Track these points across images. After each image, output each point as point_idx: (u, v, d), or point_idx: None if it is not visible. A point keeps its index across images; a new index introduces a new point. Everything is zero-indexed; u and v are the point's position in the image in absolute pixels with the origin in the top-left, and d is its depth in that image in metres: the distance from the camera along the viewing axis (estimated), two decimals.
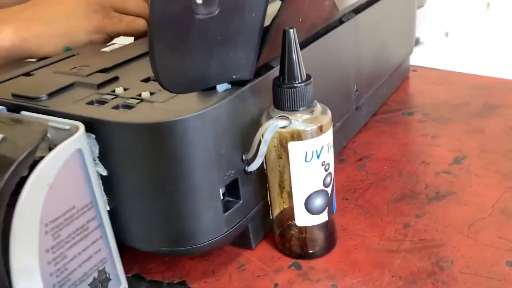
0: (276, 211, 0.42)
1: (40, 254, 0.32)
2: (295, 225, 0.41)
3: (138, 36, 0.60)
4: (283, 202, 0.40)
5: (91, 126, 0.35)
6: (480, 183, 0.49)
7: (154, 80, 0.42)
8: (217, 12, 0.32)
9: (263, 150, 0.37)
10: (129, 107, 0.37)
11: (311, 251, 0.42)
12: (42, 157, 0.32)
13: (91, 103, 0.38)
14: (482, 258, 0.40)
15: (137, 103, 0.37)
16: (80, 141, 0.34)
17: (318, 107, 0.38)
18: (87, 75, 0.43)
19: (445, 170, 0.52)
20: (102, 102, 0.38)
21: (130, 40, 0.60)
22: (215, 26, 0.33)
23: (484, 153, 0.54)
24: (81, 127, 0.34)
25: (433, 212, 0.46)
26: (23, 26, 0.54)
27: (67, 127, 0.35)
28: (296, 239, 0.42)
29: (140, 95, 0.38)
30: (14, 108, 0.39)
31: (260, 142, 0.37)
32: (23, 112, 0.38)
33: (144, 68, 0.46)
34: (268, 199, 0.42)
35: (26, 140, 0.32)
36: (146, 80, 0.42)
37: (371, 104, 0.64)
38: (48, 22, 0.55)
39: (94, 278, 0.37)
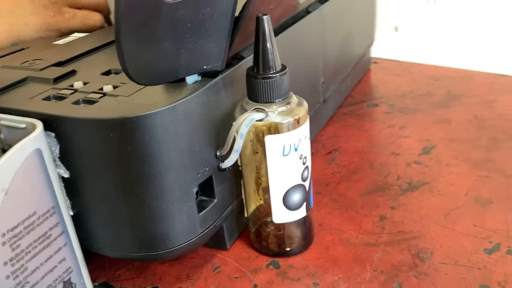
0: (251, 208, 0.40)
1: None
2: (271, 222, 0.39)
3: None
4: (260, 199, 0.39)
5: (50, 123, 0.32)
6: (451, 172, 0.49)
7: (116, 73, 0.39)
8: None
9: (238, 145, 0.35)
10: (91, 102, 0.34)
11: (288, 249, 0.40)
12: None
13: (47, 99, 0.35)
14: (461, 247, 0.39)
15: (100, 97, 0.34)
16: (38, 141, 0.30)
17: (294, 98, 0.37)
18: (41, 69, 0.40)
19: (415, 160, 0.52)
20: (60, 98, 0.35)
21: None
22: (184, 11, 0.31)
23: (452, 142, 0.54)
24: (39, 124, 0.31)
25: (408, 203, 0.45)
26: None
27: (23, 125, 0.32)
28: (273, 237, 0.40)
29: (102, 89, 0.35)
30: None
31: (235, 136, 0.35)
32: None
33: (103, 61, 0.43)
34: (243, 196, 0.40)
35: None
36: (107, 73, 0.39)
37: (337, 97, 0.63)
38: None
39: None
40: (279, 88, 0.35)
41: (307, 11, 0.50)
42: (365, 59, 0.74)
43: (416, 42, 0.89)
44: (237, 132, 0.35)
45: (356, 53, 0.68)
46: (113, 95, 0.34)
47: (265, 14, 0.34)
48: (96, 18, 0.55)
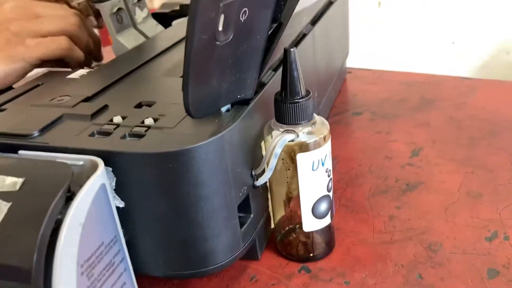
0: (276, 219, 0.44)
1: None
2: (298, 230, 0.43)
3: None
4: (290, 211, 0.42)
5: (105, 159, 0.34)
6: (441, 171, 0.55)
7: (148, 106, 0.42)
8: (231, 37, 0.34)
9: (272, 163, 0.39)
10: (138, 135, 0.36)
11: (315, 254, 0.44)
12: None
13: (92, 135, 0.37)
14: (465, 237, 0.45)
15: (145, 131, 0.37)
16: (103, 176, 0.33)
17: (317, 119, 0.41)
18: (73, 106, 0.42)
19: (408, 162, 0.57)
20: (105, 133, 0.37)
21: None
22: (228, 50, 0.34)
23: (436, 144, 0.60)
24: (101, 162, 0.34)
25: (410, 202, 0.50)
26: None
27: (81, 162, 0.34)
28: (302, 244, 0.44)
29: (143, 122, 0.38)
30: (7, 148, 0.37)
31: (269, 156, 0.39)
32: (21, 152, 0.36)
33: (126, 94, 0.45)
34: (270, 208, 0.44)
35: (50, 181, 0.31)
36: (139, 106, 0.42)
37: (325, 108, 0.68)
38: None
39: None
40: (306, 111, 0.39)
41: (303, 34, 0.55)
42: (342, 70, 0.80)
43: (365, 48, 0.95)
44: (271, 152, 0.38)
45: (337, 65, 0.73)
46: (158, 128, 0.37)
47: (292, 47, 0.38)
48: (61, 41, 0.53)
